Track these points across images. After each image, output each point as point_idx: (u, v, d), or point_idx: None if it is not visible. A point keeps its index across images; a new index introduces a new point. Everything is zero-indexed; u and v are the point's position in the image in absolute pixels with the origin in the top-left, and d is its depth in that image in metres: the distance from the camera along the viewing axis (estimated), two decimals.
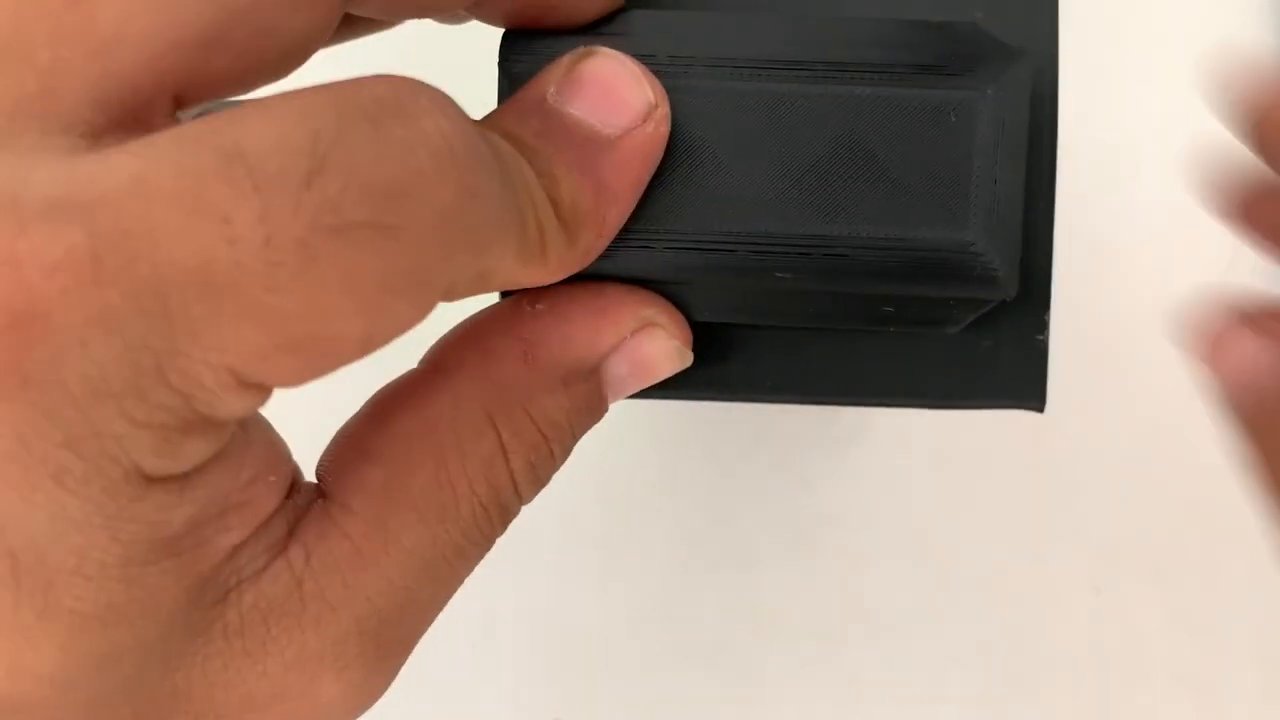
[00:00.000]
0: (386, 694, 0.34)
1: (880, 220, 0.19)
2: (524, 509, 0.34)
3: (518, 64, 0.19)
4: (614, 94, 0.18)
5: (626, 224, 0.19)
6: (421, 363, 0.19)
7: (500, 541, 0.34)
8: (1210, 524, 0.33)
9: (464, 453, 0.18)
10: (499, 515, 0.18)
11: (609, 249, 0.19)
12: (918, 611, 0.34)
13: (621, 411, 0.36)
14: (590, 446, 0.36)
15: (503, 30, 0.19)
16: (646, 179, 0.18)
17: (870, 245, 0.19)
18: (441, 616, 0.34)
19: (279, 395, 0.19)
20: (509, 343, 0.19)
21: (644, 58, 0.18)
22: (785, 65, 0.19)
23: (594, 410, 0.19)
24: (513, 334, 0.19)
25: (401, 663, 0.18)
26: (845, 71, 0.19)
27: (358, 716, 0.18)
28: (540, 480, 0.19)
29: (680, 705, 0.34)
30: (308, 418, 0.19)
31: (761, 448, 0.34)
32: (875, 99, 0.19)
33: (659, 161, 0.19)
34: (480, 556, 0.19)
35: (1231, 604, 0.33)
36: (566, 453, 0.19)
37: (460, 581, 0.18)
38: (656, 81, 0.18)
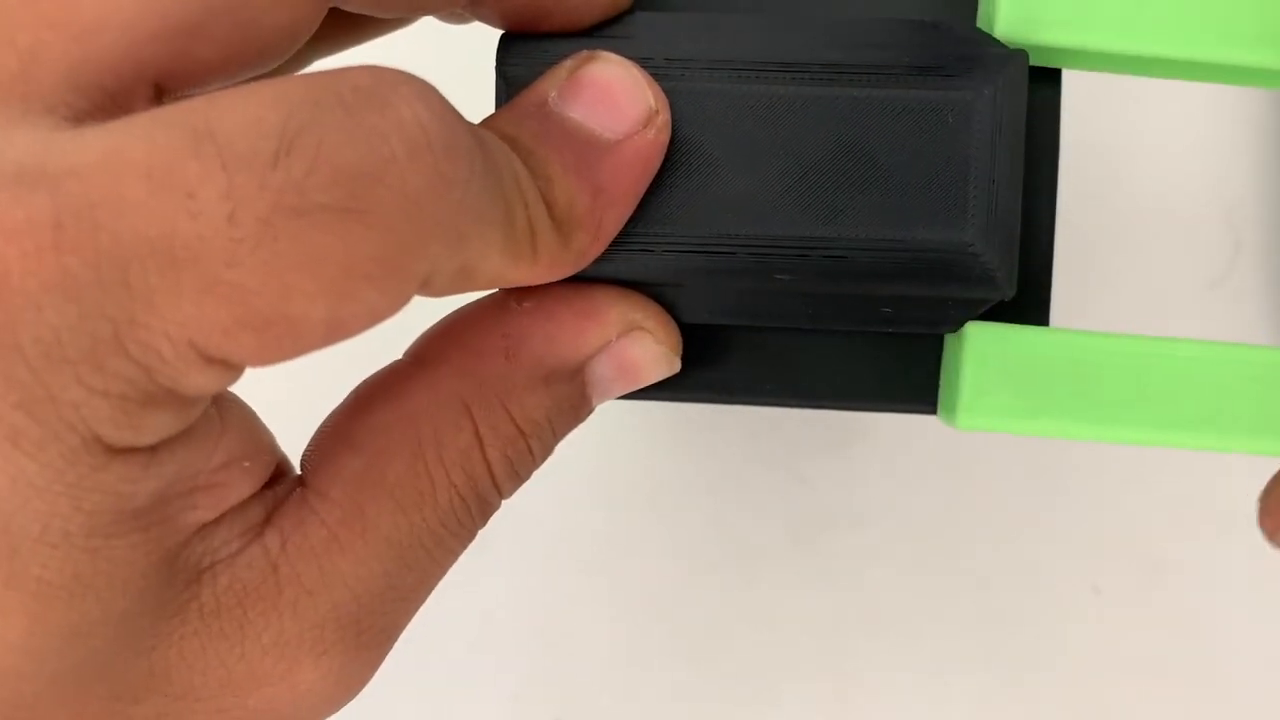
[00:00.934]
0: (388, 694, 0.34)
1: (879, 221, 0.19)
2: (524, 509, 0.34)
3: (515, 67, 0.19)
4: (614, 99, 0.18)
5: (626, 226, 0.19)
6: (405, 355, 0.19)
7: (500, 542, 0.34)
8: (1210, 524, 0.33)
9: (441, 443, 0.18)
10: (478, 507, 0.18)
11: (608, 251, 0.19)
12: (917, 611, 0.34)
13: (621, 412, 0.36)
14: (590, 446, 0.36)
15: (500, 33, 0.19)
16: (645, 184, 0.18)
17: (869, 246, 0.19)
18: (441, 617, 0.34)
19: (283, 389, 0.19)
20: (492, 338, 0.19)
21: (642, 60, 0.18)
22: (783, 67, 0.19)
23: (576, 410, 0.19)
24: (497, 329, 0.19)
25: (384, 653, 0.18)
26: (843, 73, 0.19)
27: (339, 707, 0.17)
28: (519, 476, 0.19)
29: (680, 705, 0.34)
30: (311, 414, 0.19)
31: (760, 448, 0.34)
32: (873, 100, 0.19)
33: (658, 167, 0.18)
34: (461, 548, 0.19)
35: (1231, 604, 0.33)
36: (547, 450, 0.19)
37: (442, 572, 0.18)
38: (658, 88, 0.18)
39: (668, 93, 0.19)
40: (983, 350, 0.19)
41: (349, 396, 0.19)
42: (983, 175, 0.19)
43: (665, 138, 0.18)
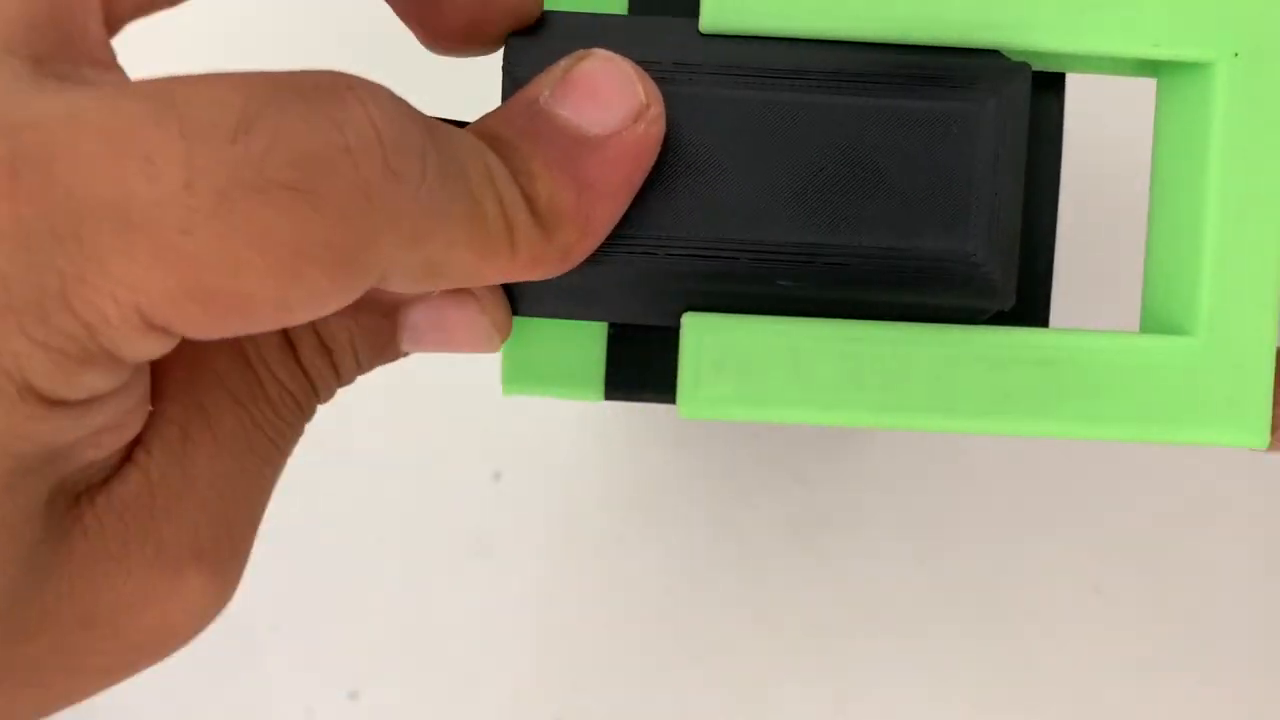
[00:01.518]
0: (388, 693, 0.34)
1: (881, 230, 0.19)
2: (525, 508, 0.34)
3: (520, 68, 0.19)
4: (601, 94, 0.18)
5: (629, 230, 0.19)
6: None
7: (500, 542, 0.34)
8: (1210, 524, 0.33)
9: (257, 340, 0.18)
10: (305, 402, 0.19)
11: (610, 253, 0.19)
12: (917, 611, 0.34)
13: (621, 412, 0.36)
14: (590, 446, 0.36)
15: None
16: (638, 180, 0.18)
17: (871, 254, 0.19)
18: (441, 616, 0.34)
19: None
20: None
21: (649, 64, 0.19)
22: (789, 74, 0.19)
23: (382, 349, 0.19)
24: None
25: (249, 549, 0.18)
26: (848, 81, 0.19)
27: (219, 611, 0.18)
28: (326, 388, 0.19)
29: (680, 705, 0.34)
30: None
31: (760, 448, 0.34)
32: (878, 109, 0.19)
33: (652, 162, 0.18)
34: (296, 439, 0.19)
35: (1231, 603, 0.33)
36: (349, 375, 0.19)
37: (283, 463, 0.19)
38: (651, 83, 0.18)
39: (674, 97, 0.19)
40: (699, 340, 0.20)
41: None
42: (985, 186, 0.19)
43: (657, 131, 0.18)
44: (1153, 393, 0.20)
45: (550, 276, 0.18)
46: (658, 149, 0.18)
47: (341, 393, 0.19)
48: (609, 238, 0.19)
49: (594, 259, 0.19)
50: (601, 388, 0.21)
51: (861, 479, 0.34)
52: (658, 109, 0.18)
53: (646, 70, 0.18)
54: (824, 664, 0.34)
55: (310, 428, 0.19)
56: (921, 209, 0.19)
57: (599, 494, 0.34)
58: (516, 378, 0.21)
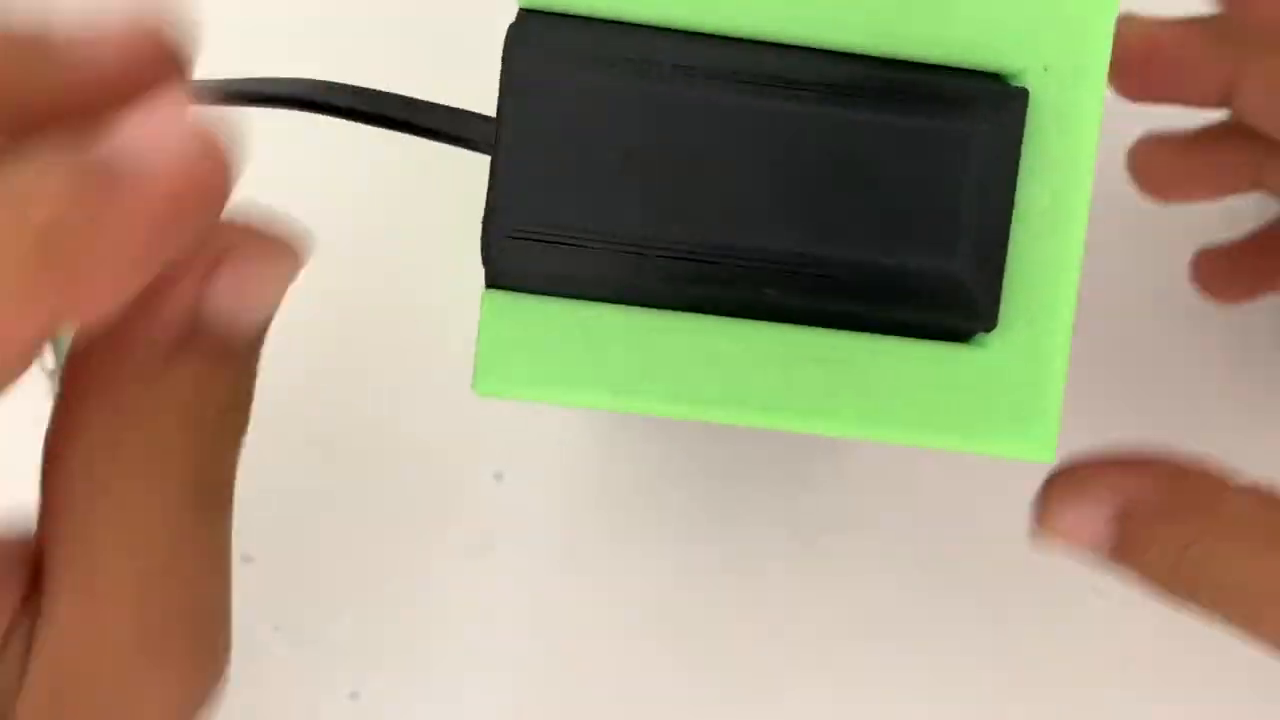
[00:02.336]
0: (386, 693, 0.34)
1: (870, 244, 0.19)
2: (525, 509, 0.34)
3: (522, 61, 0.19)
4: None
5: (617, 228, 0.19)
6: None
7: (501, 542, 0.34)
8: None
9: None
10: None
11: (601, 253, 0.19)
12: (917, 613, 0.34)
13: (622, 413, 0.36)
14: (590, 446, 0.36)
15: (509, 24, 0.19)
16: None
17: (858, 268, 0.19)
18: (441, 616, 0.34)
19: None
20: None
21: (646, 64, 0.19)
22: (787, 84, 0.19)
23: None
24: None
25: (222, 621, 0.18)
26: (845, 95, 0.19)
27: (211, 691, 0.18)
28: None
29: (680, 705, 0.34)
30: None
31: (761, 449, 0.34)
32: (873, 124, 0.19)
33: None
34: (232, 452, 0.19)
35: None
36: None
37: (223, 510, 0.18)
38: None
39: (671, 100, 0.19)
40: (497, 320, 0.20)
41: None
42: (973, 208, 0.19)
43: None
44: (937, 399, 0.20)
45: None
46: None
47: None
48: (595, 235, 0.19)
49: (579, 255, 0.19)
50: None
51: (862, 481, 0.34)
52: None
53: (644, 72, 0.18)
54: (824, 664, 0.34)
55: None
56: (910, 226, 0.19)
57: (600, 494, 0.34)
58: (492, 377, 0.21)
